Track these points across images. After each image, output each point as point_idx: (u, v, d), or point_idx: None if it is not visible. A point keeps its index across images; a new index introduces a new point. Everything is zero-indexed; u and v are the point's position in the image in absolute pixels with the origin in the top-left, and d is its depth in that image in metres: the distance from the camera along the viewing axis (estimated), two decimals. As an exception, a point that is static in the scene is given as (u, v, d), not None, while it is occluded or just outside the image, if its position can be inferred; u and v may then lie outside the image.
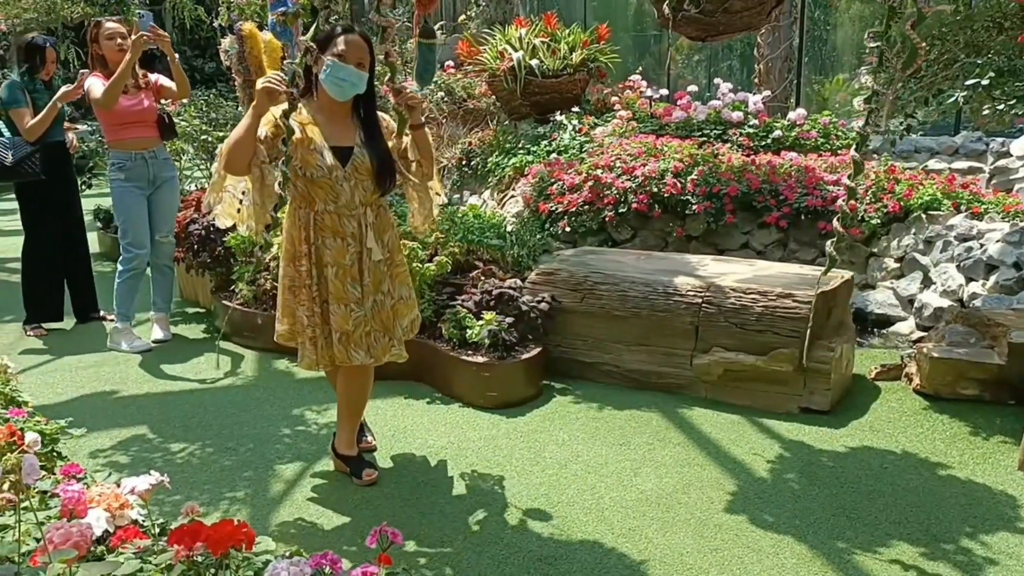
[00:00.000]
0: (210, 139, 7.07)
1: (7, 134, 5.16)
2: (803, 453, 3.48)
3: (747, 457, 3.45)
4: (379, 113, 3.12)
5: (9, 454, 1.75)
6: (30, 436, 2.19)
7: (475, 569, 2.68)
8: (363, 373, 3.21)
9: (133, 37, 4.56)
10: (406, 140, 3.10)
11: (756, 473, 3.31)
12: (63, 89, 5.08)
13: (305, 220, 2.98)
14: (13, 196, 5.37)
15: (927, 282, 4.82)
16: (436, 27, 9.03)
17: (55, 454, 2.59)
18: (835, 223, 2.80)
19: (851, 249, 5.26)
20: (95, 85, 4.71)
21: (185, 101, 6.59)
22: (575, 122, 7.01)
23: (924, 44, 2.33)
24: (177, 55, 4.87)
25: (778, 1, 3.80)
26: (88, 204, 6.34)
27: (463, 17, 10.25)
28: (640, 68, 8.99)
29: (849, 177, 2.78)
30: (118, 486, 1.99)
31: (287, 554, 1.82)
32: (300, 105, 2.89)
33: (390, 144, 3.08)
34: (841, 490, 3.16)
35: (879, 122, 2.62)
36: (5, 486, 1.76)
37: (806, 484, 3.21)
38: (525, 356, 4.07)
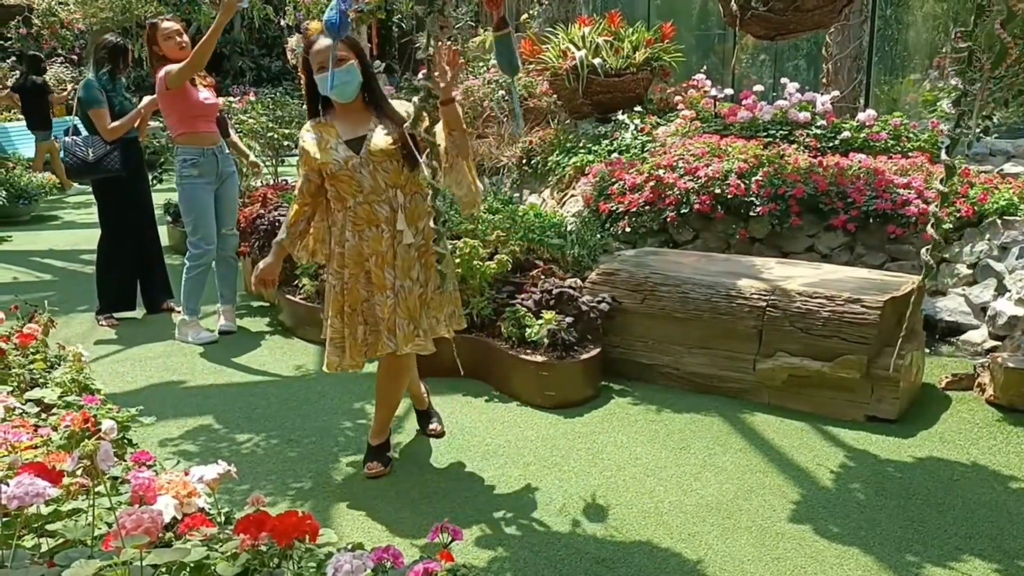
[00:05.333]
0: (276, 136, 7.21)
1: (84, 132, 5.33)
2: (869, 462, 3.39)
3: (811, 465, 3.37)
4: (400, 101, 3.24)
5: (87, 440, 1.80)
6: (106, 424, 2.25)
7: (532, 569, 2.67)
8: (396, 363, 3.22)
9: None
10: (424, 125, 2.92)
11: (820, 482, 3.24)
12: (147, 99, 5.24)
13: (342, 221, 3.09)
14: (88, 190, 5.55)
15: (1001, 289, 4.65)
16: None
17: (126, 441, 2.67)
18: (930, 230, 2.72)
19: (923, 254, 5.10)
20: (172, 67, 4.75)
21: (252, 99, 6.72)
22: (637, 121, 6.95)
23: (1014, 43, 2.24)
24: (221, 33, 4.75)
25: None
26: (158, 199, 6.51)
27: (525, 16, 10.25)
28: (704, 67, 8.86)
29: (941, 182, 2.70)
30: (187, 474, 2.03)
31: (349, 547, 1.84)
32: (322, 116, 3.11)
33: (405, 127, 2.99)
34: (909, 502, 3.07)
35: (971, 124, 2.54)
36: (79, 471, 1.81)
37: (872, 494, 3.12)
38: (584, 356, 4.05)
